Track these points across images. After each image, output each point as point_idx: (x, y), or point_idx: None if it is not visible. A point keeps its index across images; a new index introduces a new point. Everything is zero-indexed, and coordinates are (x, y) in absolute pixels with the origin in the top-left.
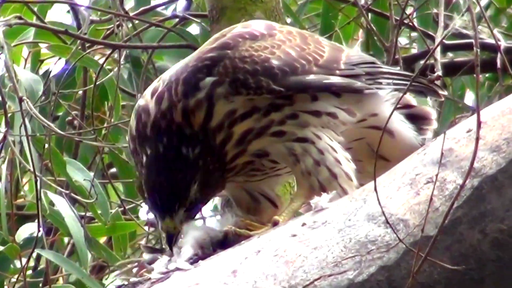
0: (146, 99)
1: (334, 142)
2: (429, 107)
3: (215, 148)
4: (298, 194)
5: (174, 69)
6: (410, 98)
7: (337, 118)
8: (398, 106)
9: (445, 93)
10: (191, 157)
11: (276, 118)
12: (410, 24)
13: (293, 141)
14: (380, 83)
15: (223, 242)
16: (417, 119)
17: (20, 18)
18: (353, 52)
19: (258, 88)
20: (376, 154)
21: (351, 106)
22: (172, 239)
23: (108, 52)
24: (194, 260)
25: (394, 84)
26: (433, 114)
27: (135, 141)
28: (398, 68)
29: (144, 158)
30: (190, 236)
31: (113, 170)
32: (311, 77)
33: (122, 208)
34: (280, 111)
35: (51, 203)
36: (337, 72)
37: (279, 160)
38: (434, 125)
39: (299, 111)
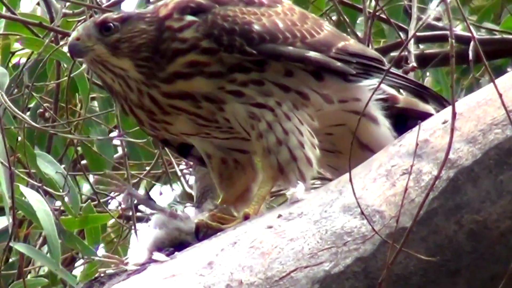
0: None
1: (304, 126)
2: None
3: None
4: (264, 179)
5: None
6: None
7: (308, 99)
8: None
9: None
10: (131, 12)
11: (239, 79)
12: (383, 16)
13: (251, 105)
14: (370, 75)
15: (196, 235)
16: None
17: None
18: (358, 45)
19: (230, 46)
20: (354, 137)
21: (332, 93)
22: (73, 47)
23: None
24: (170, 251)
25: (392, 83)
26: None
27: None
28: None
29: None
30: (150, 237)
31: (83, 162)
32: (289, 48)
33: (96, 201)
34: (245, 73)
35: (22, 195)
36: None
37: (240, 121)
38: None
39: (267, 80)
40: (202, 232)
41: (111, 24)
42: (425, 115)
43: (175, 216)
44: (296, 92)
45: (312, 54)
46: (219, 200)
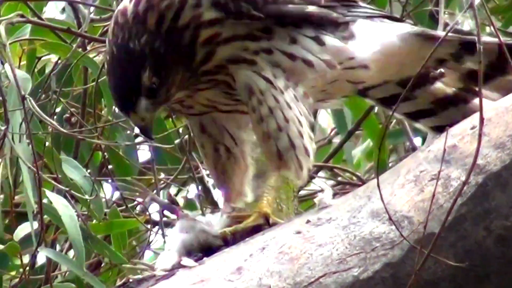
0: (124, 4)
1: (303, 117)
2: None
3: (179, 41)
4: (270, 170)
5: None
6: None
7: (313, 67)
8: None
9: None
10: (137, 48)
11: (251, 47)
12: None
13: (259, 75)
14: (353, 11)
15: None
16: None
17: (22, 16)
18: None
19: (238, 13)
20: (380, 149)
21: (332, 57)
22: (146, 129)
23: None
24: (198, 257)
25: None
26: None
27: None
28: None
29: (109, 56)
30: (178, 240)
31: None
32: (290, 6)
33: (123, 206)
34: (256, 41)
35: (49, 201)
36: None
37: (240, 91)
38: None
39: (275, 48)
40: (231, 241)
41: (153, 86)
42: None
43: (198, 221)
44: (302, 60)
45: (310, 8)
46: (222, 199)
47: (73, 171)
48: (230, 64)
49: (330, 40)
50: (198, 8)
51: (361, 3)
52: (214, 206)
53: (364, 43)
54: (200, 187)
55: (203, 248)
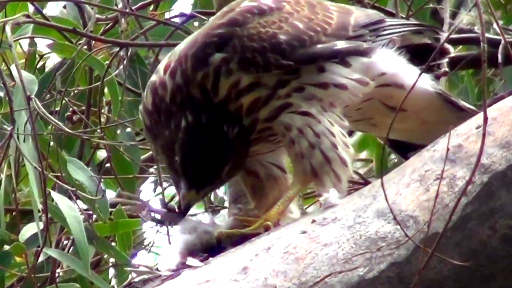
0: (159, 75)
1: (335, 127)
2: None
3: (243, 123)
4: (293, 182)
5: (184, 44)
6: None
7: (347, 89)
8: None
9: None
10: (230, 137)
11: (282, 93)
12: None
13: (297, 114)
14: (383, 35)
15: (220, 246)
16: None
17: (27, 16)
18: (360, 12)
19: (267, 65)
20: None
21: (362, 75)
22: (189, 209)
23: (109, 49)
24: (204, 257)
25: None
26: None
27: (152, 115)
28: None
29: (183, 123)
30: (181, 241)
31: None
32: (319, 46)
33: (127, 205)
34: (286, 86)
35: (53, 201)
36: (345, 39)
37: (278, 133)
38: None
39: (305, 83)
40: (225, 244)
41: (206, 185)
42: (422, 46)
43: (200, 223)
44: (334, 85)
45: (339, 44)
46: (251, 207)
47: (79, 172)
48: (269, 122)
49: (355, 59)
50: (232, 75)
51: (387, 19)
52: (214, 206)
53: (389, 56)
54: None
55: (206, 249)
